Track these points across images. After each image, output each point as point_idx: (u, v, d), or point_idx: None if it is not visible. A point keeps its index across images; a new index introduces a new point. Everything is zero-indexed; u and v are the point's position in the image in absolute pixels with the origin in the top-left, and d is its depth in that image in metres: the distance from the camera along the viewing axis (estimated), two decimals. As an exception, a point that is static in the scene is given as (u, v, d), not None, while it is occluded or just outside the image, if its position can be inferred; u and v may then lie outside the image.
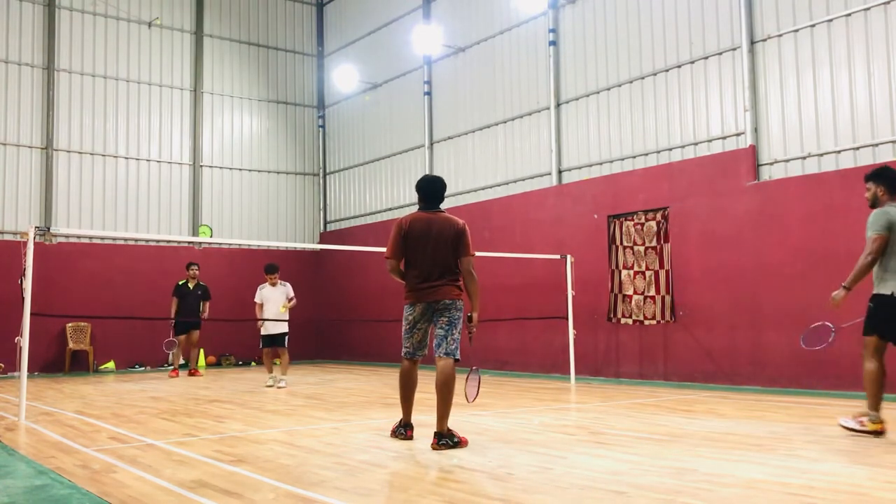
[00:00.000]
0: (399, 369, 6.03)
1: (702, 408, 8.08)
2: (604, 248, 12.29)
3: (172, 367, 13.86)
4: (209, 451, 5.57)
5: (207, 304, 14.08)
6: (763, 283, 10.26)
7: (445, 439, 5.59)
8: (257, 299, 11.77)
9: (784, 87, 10.44)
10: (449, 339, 5.76)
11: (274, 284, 11.72)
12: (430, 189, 6.01)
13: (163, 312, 14.02)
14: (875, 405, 5.84)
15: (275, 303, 11.62)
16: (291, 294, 11.76)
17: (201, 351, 16.73)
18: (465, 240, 5.85)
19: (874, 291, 5.96)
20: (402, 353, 6.00)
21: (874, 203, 6.13)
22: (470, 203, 15.03)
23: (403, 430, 6.06)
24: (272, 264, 11.94)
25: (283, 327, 11.68)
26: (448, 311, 5.78)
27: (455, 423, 5.86)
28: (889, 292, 5.83)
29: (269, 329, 11.61)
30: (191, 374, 13.84)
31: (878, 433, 5.81)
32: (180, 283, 14.00)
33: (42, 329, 13.92)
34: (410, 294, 5.87)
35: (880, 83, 9.48)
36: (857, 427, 5.89)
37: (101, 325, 15.31)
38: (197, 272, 14.08)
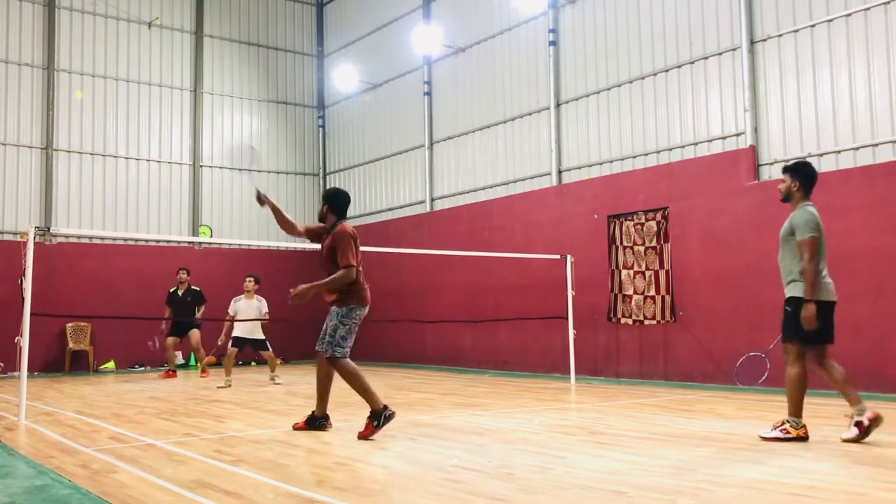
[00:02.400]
0: (345, 370, 6.30)
1: (702, 408, 8.08)
2: (604, 248, 12.29)
3: (167, 369, 13.52)
4: (209, 451, 5.57)
5: (202, 308, 13.56)
6: (763, 283, 10.25)
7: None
8: (231, 311, 11.85)
9: (784, 87, 10.44)
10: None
11: (251, 297, 11.88)
12: (347, 202, 6.64)
13: (163, 312, 13.97)
14: (795, 410, 5.76)
15: (247, 315, 11.67)
16: (266, 310, 11.91)
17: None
18: None
19: (790, 295, 5.82)
20: (344, 354, 6.29)
21: (787, 198, 6.10)
22: (470, 203, 15.04)
23: (389, 413, 6.23)
24: (255, 275, 12.23)
25: (261, 333, 11.90)
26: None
27: (455, 422, 5.85)
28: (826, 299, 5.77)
29: (245, 333, 11.67)
30: (202, 375, 13.32)
31: (803, 438, 5.71)
32: (171, 290, 13.62)
33: (42, 329, 13.92)
34: (361, 295, 6.31)
35: (880, 83, 9.48)
36: (781, 436, 5.71)
37: (101, 325, 15.30)
38: (185, 277, 13.57)
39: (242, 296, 11.95)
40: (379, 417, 6.11)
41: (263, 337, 11.94)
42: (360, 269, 6.32)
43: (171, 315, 13.28)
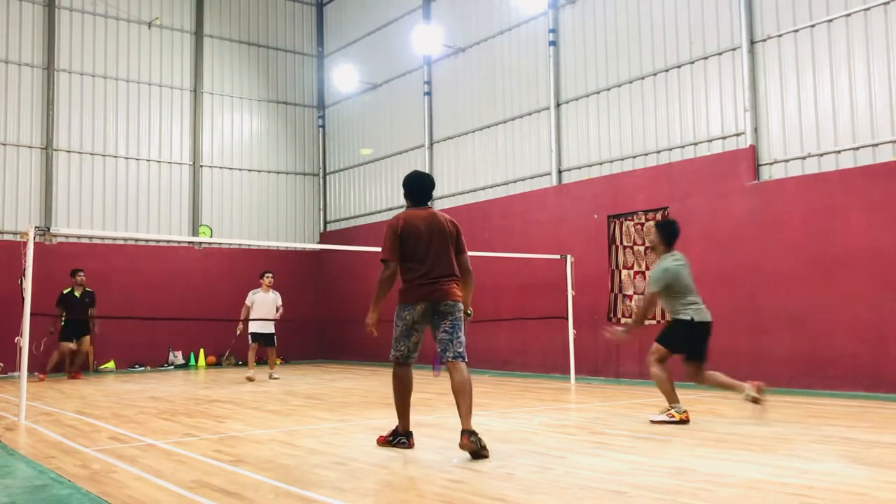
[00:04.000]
0: (394, 374, 5.73)
1: (702, 408, 8.08)
2: (604, 248, 12.28)
3: (42, 373, 13.21)
4: (209, 451, 5.57)
5: (93, 311, 13.49)
6: (763, 283, 10.26)
7: (475, 436, 5.22)
8: (248, 302, 12.98)
9: (784, 87, 10.44)
10: (456, 341, 5.58)
11: (267, 290, 12.99)
12: (422, 185, 5.83)
13: (163, 312, 13.98)
14: (674, 399, 6.95)
15: (266, 307, 12.84)
16: (280, 303, 13.07)
17: (202, 351, 16.76)
18: (462, 236, 5.81)
19: (674, 317, 7.16)
20: (395, 357, 5.70)
21: (654, 249, 7.52)
22: (470, 203, 15.03)
23: (406, 438, 5.70)
24: (271, 270, 13.39)
25: (273, 328, 13.10)
26: (452, 312, 5.58)
27: (455, 422, 5.84)
28: (689, 318, 7.00)
29: (260, 328, 12.87)
30: (72, 378, 13.20)
31: (685, 421, 6.84)
32: (65, 291, 13.41)
33: (42, 329, 13.90)
34: (410, 293, 5.58)
35: (880, 83, 9.48)
36: (668, 419, 6.87)
37: (100, 325, 15.28)
38: (83, 278, 13.57)
39: (260, 289, 13.00)
40: (396, 437, 5.71)
41: (274, 332, 13.09)
42: (416, 258, 5.56)
43: (65, 317, 13.08)
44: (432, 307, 5.57)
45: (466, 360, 5.60)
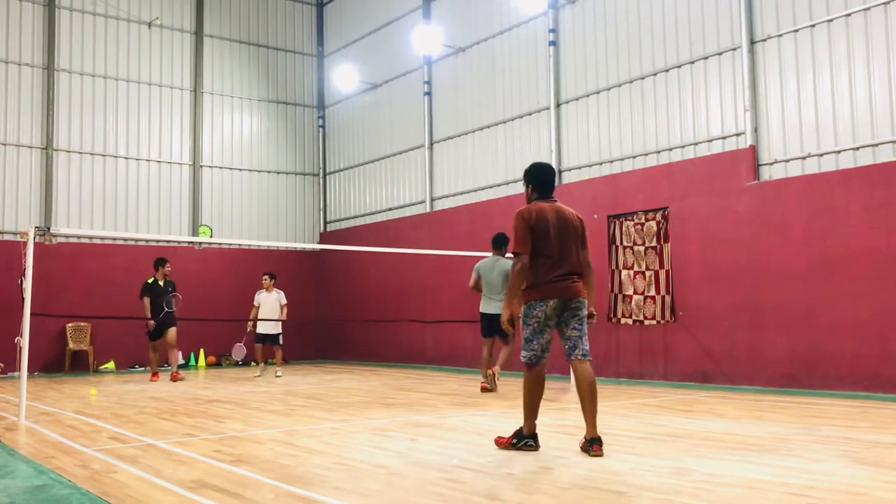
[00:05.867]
0: (527, 377, 5.47)
1: (702, 408, 8.08)
2: (604, 248, 12.28)
3: (153, 372, 12.97)
4: (209, 451, 5.57)
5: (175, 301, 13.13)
6: (763, 283, 10.26)
7: (600, 441, 5.28)
8: (255, 303, 13.68)
9: (784, 87, 10.44)
10: (584, 339, 5.46)
11: (270, 290, 13.60)
12: (547, 177, 5.67)
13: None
14: (484, 374, 10.15)
15: (269, 307, 13.47)
16: (284, 301, 13.62)
17: (202, 351, 16.75)
18: (585, 230, 5.64)
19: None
20: (529, 358, 5.46)
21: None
22: (470, 203, 15.03)
23: (533, 441, 5.42)
24: (270, 272, 13.97)
25: (279, 328, 13.68)
26: (581, 309, 5.45)
27: (455, 422, 5.85)
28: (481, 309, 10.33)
29: (266, 329, 13.54)
30: (173, 379, 12.55)
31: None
32: (150, 280, 12.83)
33: (42, 329, 13.92)
34: (541, 288, 5.37)
35: (880, 83, 9.48)
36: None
37: (101, 325, 15.30)
38: (170, 269, 13.07)
39: (264, 289, 13.69)
40: (521, 439, 5.41)
41: (280, 332, 13.75)
42: (547, 253, 5.37)
43: (152, 306, 12.56)
44: (562, 304, 5.41)
45: (591, 358, 5.53)
